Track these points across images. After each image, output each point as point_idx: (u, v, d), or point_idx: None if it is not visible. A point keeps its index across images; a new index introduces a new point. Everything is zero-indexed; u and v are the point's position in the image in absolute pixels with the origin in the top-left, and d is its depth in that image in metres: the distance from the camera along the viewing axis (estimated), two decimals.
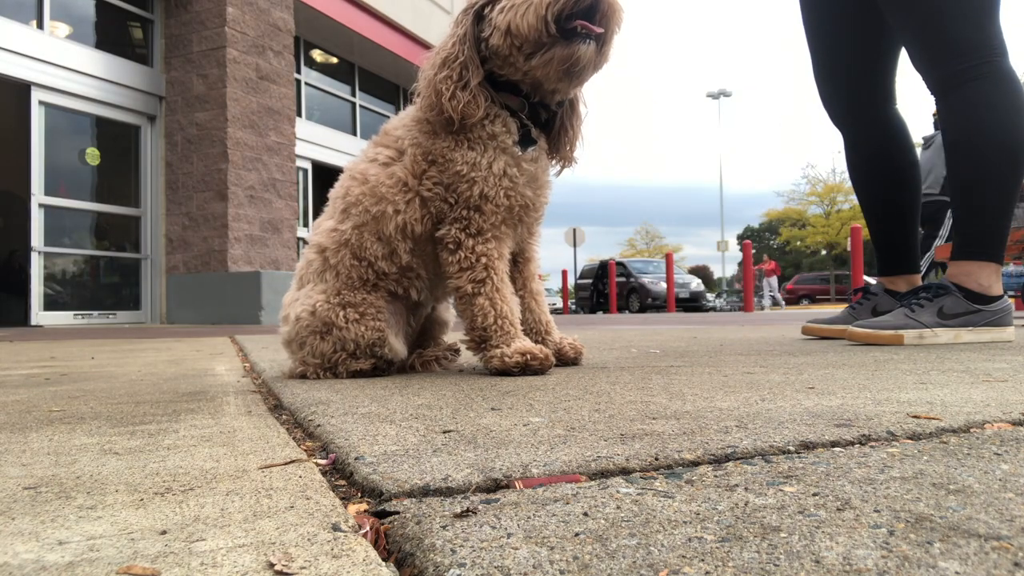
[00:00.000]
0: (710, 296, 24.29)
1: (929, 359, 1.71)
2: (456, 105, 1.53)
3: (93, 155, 8.55)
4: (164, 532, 0.54)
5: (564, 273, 21.45)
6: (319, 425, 0.98)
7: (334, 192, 1.72)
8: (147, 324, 8.49)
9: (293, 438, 0.94)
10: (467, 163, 1.57)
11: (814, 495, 0.59)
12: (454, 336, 1.85)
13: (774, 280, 21.94)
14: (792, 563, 0.45)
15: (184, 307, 8.50)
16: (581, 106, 1.76)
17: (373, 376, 1.65)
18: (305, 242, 1.80)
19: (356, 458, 0.76)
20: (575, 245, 21.64)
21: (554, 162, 1.76)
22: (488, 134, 1.59)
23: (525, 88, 1.63)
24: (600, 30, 1.49)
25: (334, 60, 12.41)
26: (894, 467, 0.67)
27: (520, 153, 1.61)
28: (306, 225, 10.92)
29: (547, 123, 1.70)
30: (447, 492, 0.63)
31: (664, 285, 17.10)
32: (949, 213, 5.37)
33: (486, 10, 1.57)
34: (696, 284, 21.36)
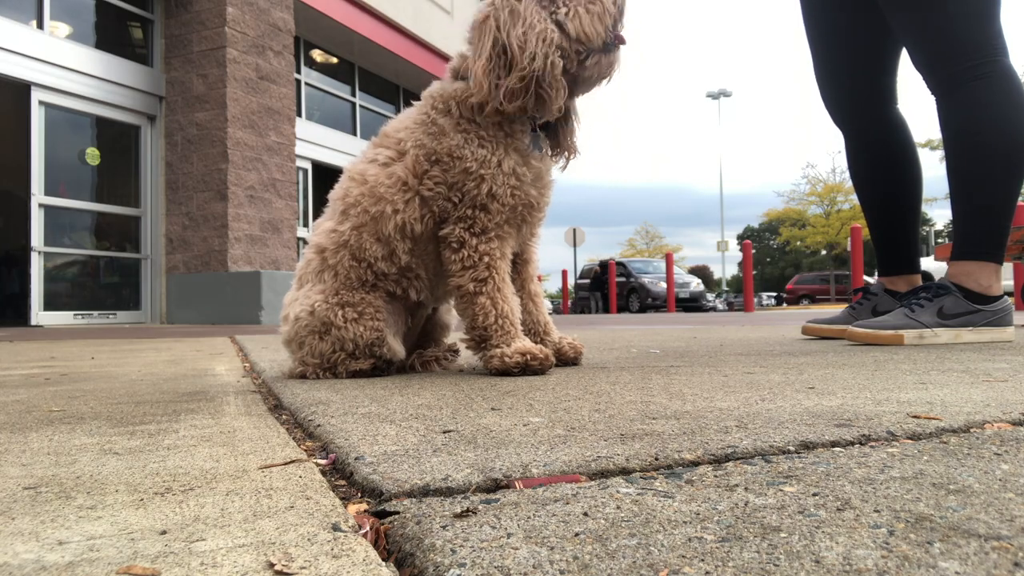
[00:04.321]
0: (710, 296, 24.29)
1: (929, 359, 1.70)
2: (560, 99, 1.56)
3: (93, 155, 8.55)
4: (164, 532, 0.54)
5: (564, 273, 21.42)
6: (319, 425, 0.98)
7: (334, 193, 1.72)
8: (147, 324, 8.48)
9: (293, 438, 0.94)
10: (476, 160, 1.58)
11: (814, 495, 0.59)
12: (455, 337, 1.86)
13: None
14: (792, 563, 0.45)
15: (184, 307, 8.50)
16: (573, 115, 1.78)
17: (373, 376, 1.65)
18: (305, 242, 1.80)
19: (356, 458, 0.76)
20: (575, 245, 21.63)
21: (561, 158, 1.77)
22: (506, 132, 1.61)
23: None
24: (625, 41, 1.63)
25: (334, 60, 12.41)
26: (894, 467, 0.67)
27: (531, 151, 1.63)
28: (306, 225, 10.91)
29: (545, 124, 1.71)
30: (447, 492, 0.63)
31: (664, 285, 17.09)
32: None
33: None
34: (696, 284, 21.34)
